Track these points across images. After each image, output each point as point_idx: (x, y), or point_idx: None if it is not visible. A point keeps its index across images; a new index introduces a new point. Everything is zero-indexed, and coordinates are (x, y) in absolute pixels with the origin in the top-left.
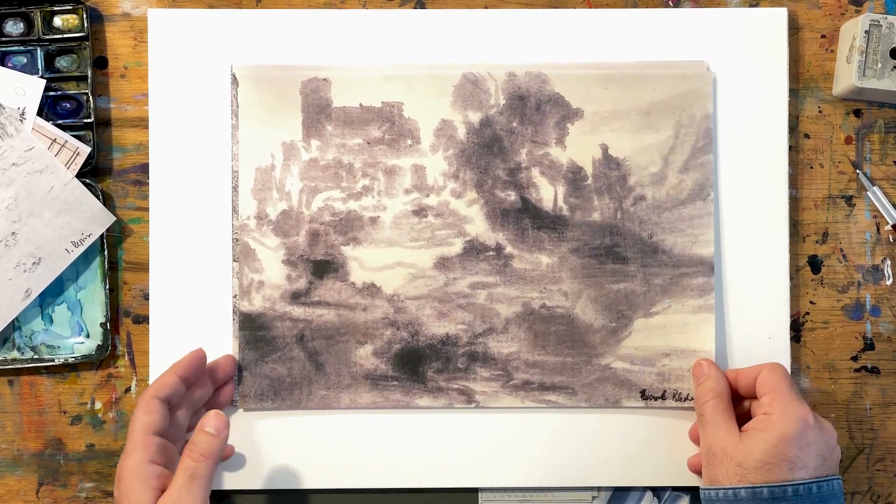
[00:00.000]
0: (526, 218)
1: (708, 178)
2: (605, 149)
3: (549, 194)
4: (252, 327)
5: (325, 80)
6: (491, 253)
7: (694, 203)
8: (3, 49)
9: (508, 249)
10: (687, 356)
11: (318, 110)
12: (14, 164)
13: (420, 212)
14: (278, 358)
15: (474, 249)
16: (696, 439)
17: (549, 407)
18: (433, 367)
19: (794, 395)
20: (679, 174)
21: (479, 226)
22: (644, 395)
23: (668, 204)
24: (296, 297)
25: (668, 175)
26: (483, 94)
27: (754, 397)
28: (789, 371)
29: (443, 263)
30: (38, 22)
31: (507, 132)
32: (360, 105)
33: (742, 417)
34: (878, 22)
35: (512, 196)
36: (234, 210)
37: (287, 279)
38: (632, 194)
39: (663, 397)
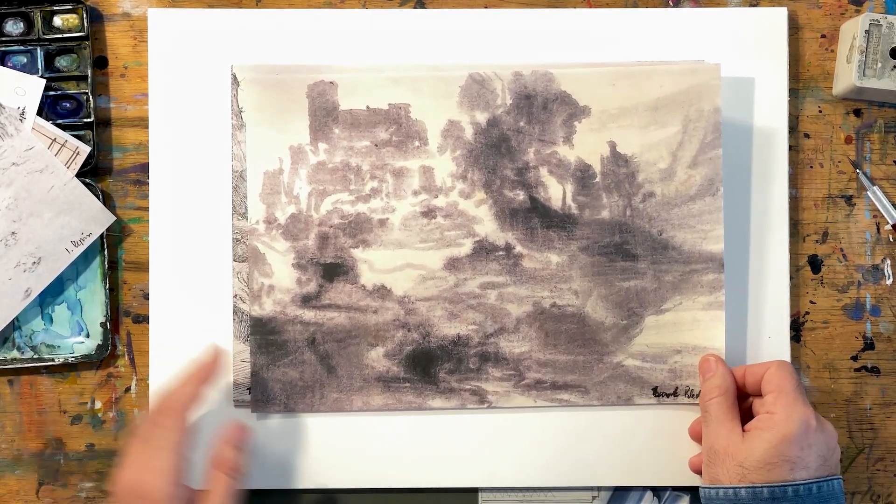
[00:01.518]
0: (535, 217)
1: (717, 173)
2: (612, 146)
3: (557, 193)
4: (263, 331)
5: (331, 83)
6: (500, 253)
7: (703, 199)
8: (3, 49)
9: (518, 249)
10: (698, 353)
11: (324, 113)
12: (14, 163)
13: (429, 213)
14: (290, 362)
15: (484, 250)
16: (695, 436)
17: (561, 406)
18: (445, 367)
19: (798, 394)
20: (688, 170)
21: (488, 226)
22: (656, 392)
23: (677, 200)
24: (306, 300)
25: (676, 171)
26: (489, 94)
27: (760, 395)
28: None
29: (452, 264)
30: (38, 22)
31: (514, 132)
32: (367, 107)
33: (745, 414)
34: (878, 22)
35: (520, 195)
36: (235, 210)
37: (297, 283)
38: (641, 191)
39: (675, 394)
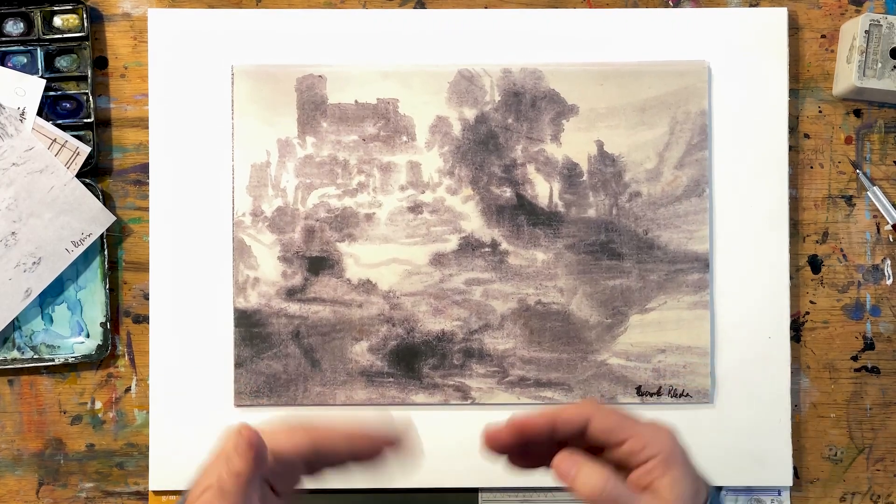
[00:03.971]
0: (521, 214)
1: (703, 174)
2: (600, 145)
3: (544, 191)
4: (247, 324)
5: (320, 76)
6: (486, 249)
7: (689, 199)
8: (3, 49)
9: (504, 246)
10: (682, 352)
11: (313, 107)
12: (14, 164)
13: (415, 208)
14: (274, 355)
15: (470, 246)
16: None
17: (544, 403)
18: (429, 363)
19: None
20: (674, 170)
21: (474, 222)
22: (640, 391)
23: (663, 200)
24: (291, 293)
25: (663, 171)
26: (478, 90)
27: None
28: (788, 371)
29: (438, 260)
30: (38, 22)
31: (502, 129)
32: (356, 102)
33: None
34: (878, 22)
35: (507, 192)
36: (235, 210)
37: (283, 276)
38: (627, 191)
39: (659, 393)
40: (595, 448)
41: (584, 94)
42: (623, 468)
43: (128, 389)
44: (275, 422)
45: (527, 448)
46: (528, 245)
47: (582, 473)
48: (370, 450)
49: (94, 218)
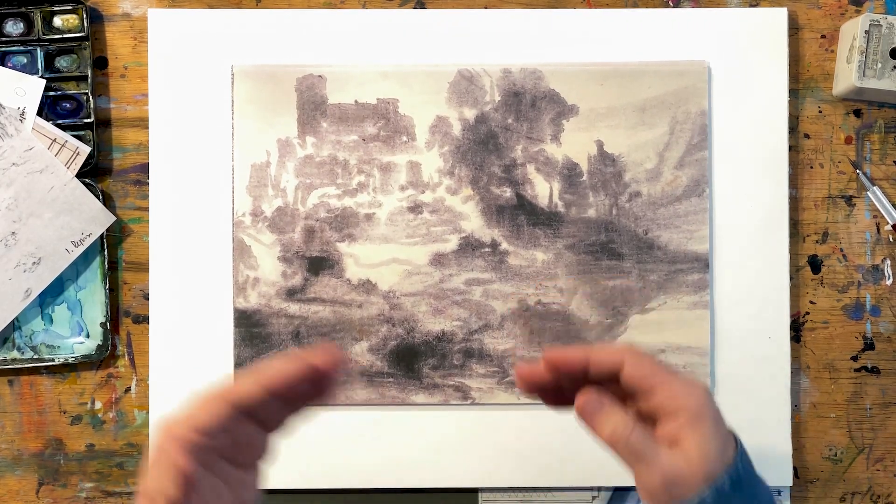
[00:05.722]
0: (521, 214)
1: (703, 174)
2: (600, 145)
3: (544, 191)
4: (248, 324)
5: (320, 76)
6: (486, 249)
7: (689, 199)
8: (3, 49)
9: (504, 246)
10: (682, 352)
11: (313, 107)
12: (14, 164)
13: (415, 208)
14: (274, 355)
15: (470, 246)
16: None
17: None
18: (429, 363)
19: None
20: (674, 170)
21: (474, 222)
22: None
23: (663, 200)
24: (291, 293)
25: (663, 171)
26: (478, 90)
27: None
28: (788, 371)
29: (438, 260)
30: (38, 22)
31: (502, 129)
32: (356, 102)
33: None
34: (878, 22)
35: (507, 192)
36: (234, 210)
37: (283, 276)
38: (627, 190)
39: None
40: (627, 397)
41: (584, 94)
42: (652, 421)
43: (128, 389)
44: (189, 401)
45: (560, 387)
46: (528, 245)
47: (603, 413)
48: (297, 386)
49: (94, 218)
